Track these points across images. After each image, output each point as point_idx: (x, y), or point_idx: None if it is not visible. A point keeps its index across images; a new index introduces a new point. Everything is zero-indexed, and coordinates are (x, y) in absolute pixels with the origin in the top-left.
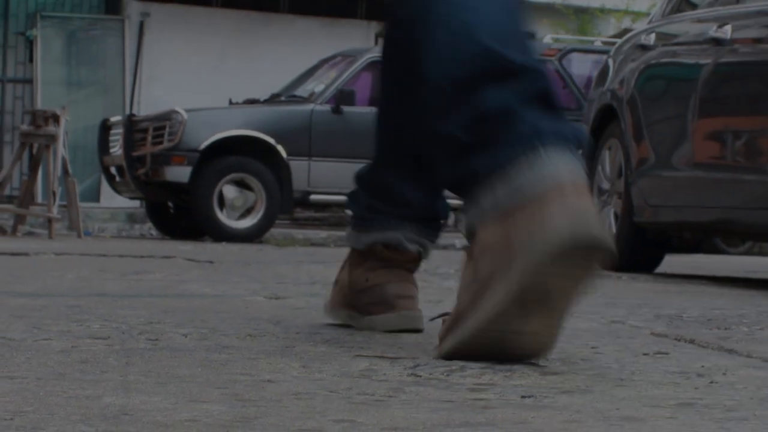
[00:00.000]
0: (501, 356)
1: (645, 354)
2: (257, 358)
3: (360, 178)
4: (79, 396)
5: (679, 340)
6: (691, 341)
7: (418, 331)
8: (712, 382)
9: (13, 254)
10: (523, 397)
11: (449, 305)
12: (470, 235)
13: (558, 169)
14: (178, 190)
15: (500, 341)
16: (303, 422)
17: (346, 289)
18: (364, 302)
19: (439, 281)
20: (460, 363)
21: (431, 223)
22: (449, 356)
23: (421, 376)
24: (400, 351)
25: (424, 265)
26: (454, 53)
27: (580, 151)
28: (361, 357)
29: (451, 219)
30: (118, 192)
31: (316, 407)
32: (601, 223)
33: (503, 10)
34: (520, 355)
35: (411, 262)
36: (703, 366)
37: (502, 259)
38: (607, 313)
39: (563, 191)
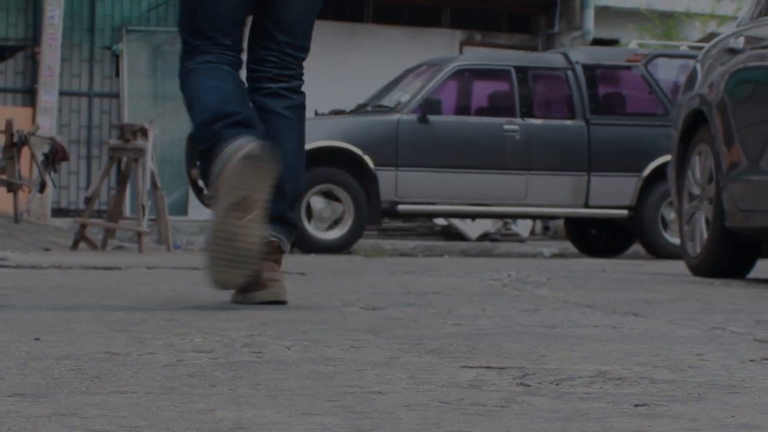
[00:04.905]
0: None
1: (752, 360)
2: (363, 369)
3: None
4: (191, 410)
5: None
6: None
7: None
8: None
9: (105, 268)
10: (636, 405)
11: (547, 313)
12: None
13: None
14: None
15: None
16: None
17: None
18: None
19: (532, 289)
20: (569, 372)
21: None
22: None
23: (530, 386)
24: (506, 360)
25: (515, 274)
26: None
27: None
28: (467, 368)
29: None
30: (206, 205)
31: (431, 418)
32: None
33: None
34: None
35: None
36: None
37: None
38: (705, 320)
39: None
